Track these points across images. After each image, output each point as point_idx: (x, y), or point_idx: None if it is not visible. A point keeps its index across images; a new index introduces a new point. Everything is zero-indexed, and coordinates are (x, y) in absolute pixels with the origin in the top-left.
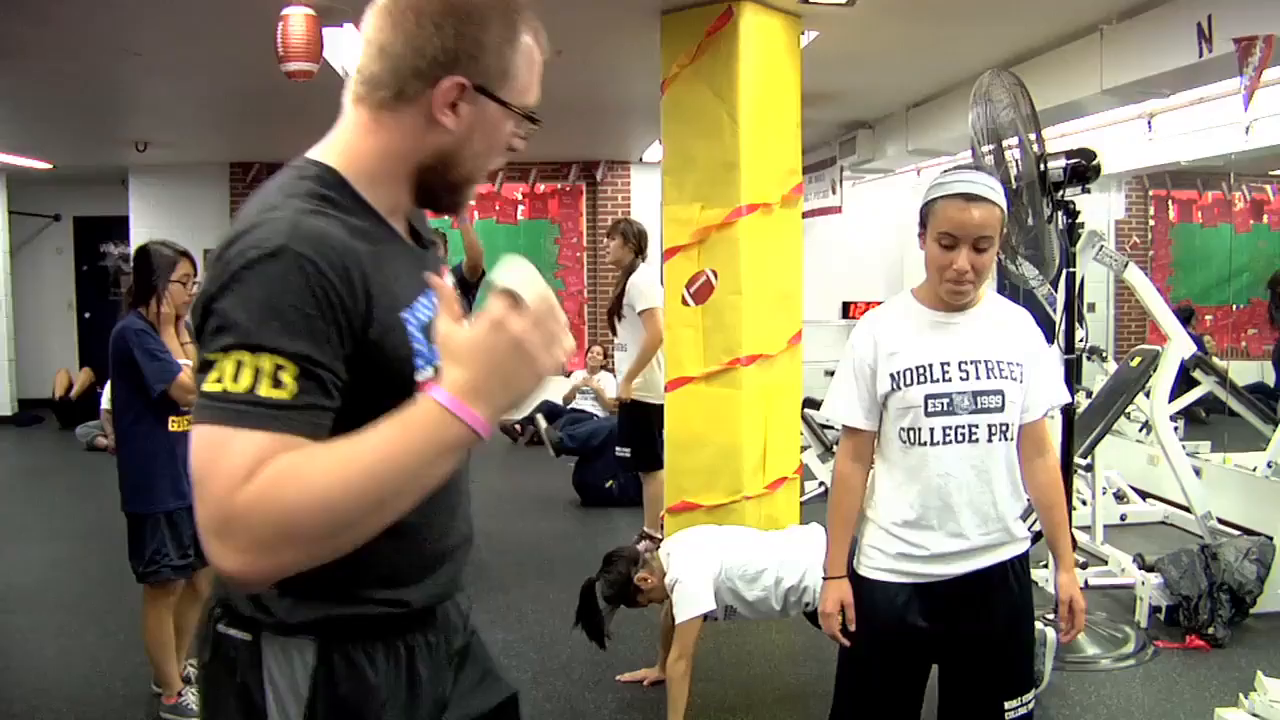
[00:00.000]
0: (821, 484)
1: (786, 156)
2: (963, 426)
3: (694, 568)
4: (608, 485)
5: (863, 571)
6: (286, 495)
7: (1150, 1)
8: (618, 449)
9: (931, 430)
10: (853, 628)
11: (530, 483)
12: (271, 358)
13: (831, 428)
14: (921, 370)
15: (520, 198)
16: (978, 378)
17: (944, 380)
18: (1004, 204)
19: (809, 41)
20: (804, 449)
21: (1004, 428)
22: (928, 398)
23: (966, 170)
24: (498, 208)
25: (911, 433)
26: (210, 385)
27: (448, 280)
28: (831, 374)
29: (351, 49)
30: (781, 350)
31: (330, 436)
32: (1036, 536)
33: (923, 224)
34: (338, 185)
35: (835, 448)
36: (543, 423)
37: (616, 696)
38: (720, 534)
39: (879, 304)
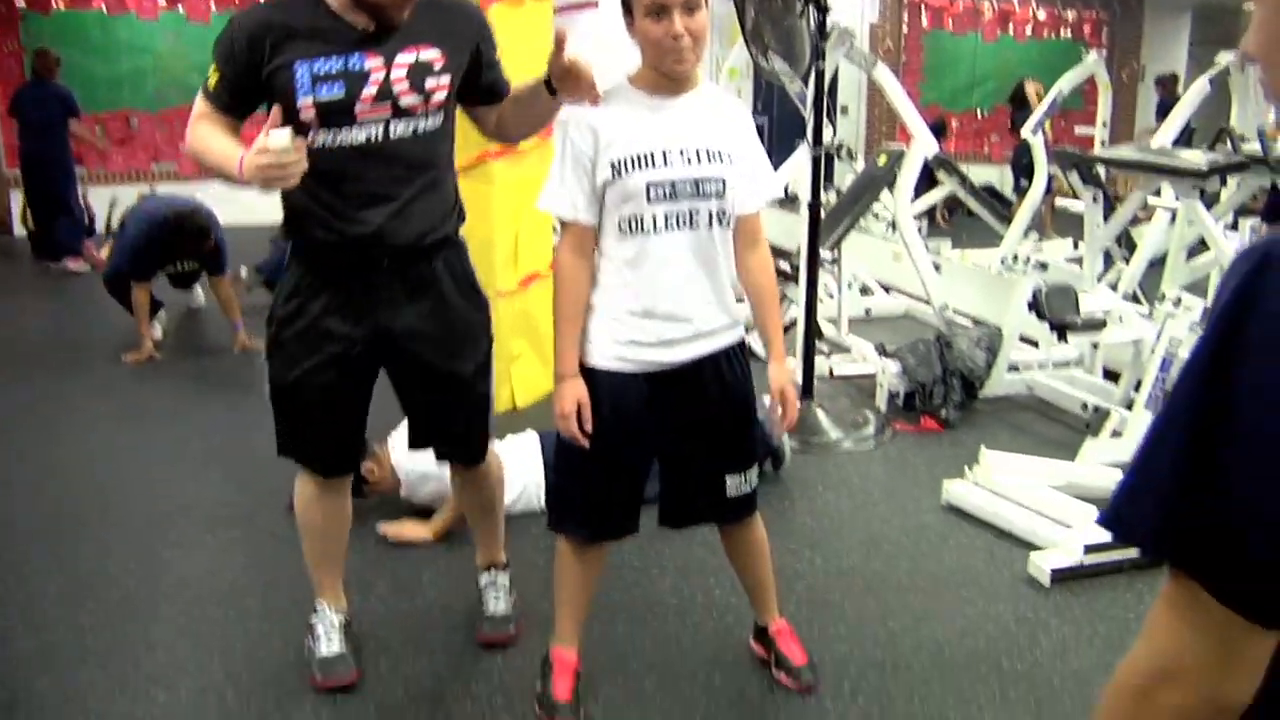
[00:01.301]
0: None
1: None
2: (684, 212)
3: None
4: None
5: (590, 361)
6: (192, 131)
7: None
8: None
9: (654, 217)
10: (589, 427)
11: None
12: (215, 69)
13: None
14: (642, 157)
15: None
16: (699, 162)
17: (665, 166)
18: None
19: None
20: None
21: (723, 214)
22: (649, 184)
23: None
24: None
25: (633, 221)
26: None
27: (412, 56)
28: None
29: None
30: (533, 145)
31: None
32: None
33: (629, 11)
34: None
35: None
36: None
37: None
38: None
39: None
